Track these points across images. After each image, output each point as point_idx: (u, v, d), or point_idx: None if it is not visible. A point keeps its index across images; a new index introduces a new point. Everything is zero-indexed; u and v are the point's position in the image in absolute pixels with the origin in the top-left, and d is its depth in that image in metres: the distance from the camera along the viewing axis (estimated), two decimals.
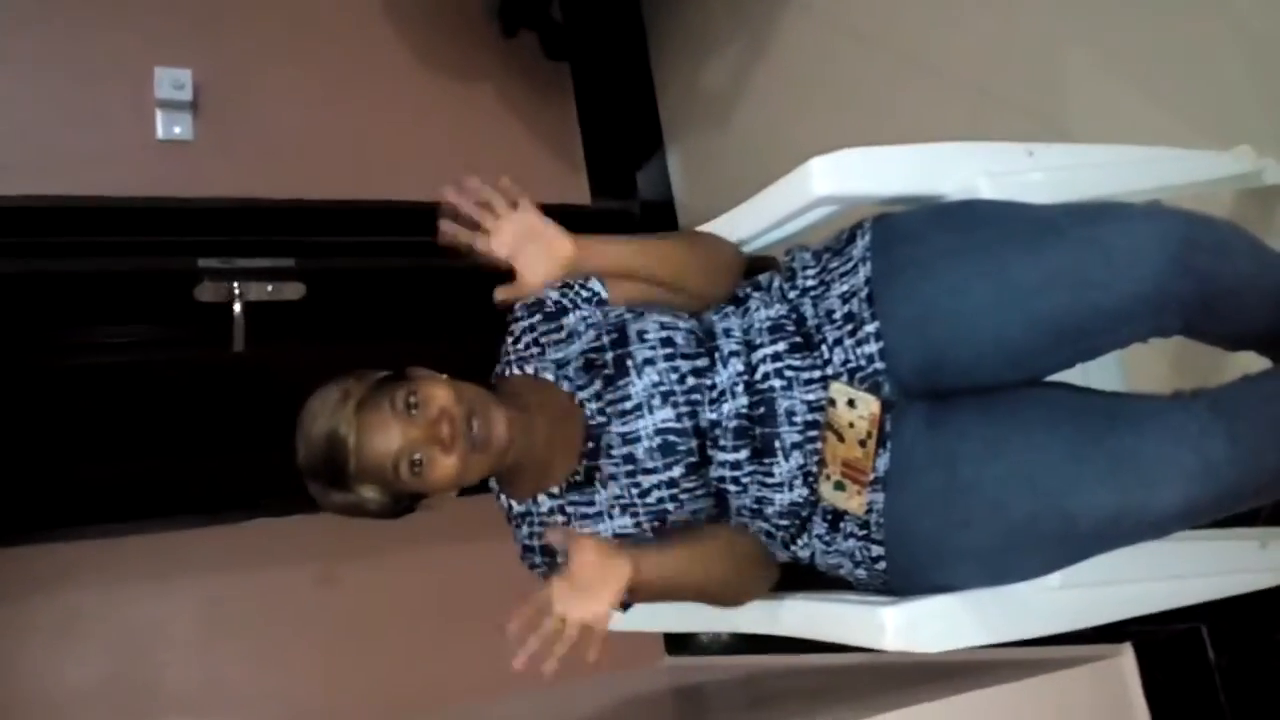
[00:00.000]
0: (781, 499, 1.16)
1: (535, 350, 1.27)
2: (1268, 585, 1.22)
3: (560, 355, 1.24)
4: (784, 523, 1.19)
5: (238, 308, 1.93)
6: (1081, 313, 1.02)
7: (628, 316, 1.21)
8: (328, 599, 2.51)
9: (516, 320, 1.30)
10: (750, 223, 1.28)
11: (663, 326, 1.19)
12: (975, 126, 1.88)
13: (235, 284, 1.94)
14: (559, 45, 3.06)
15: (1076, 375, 1.11)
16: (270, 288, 1.96)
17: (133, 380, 2.04)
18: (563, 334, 1.26)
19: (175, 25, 2.71)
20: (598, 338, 1.21)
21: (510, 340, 1.30)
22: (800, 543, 1.20)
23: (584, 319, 1.25)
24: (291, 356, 2.09)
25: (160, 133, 2.62)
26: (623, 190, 3.14)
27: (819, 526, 1.18)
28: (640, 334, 1.18)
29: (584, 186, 3.12)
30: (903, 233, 1.15)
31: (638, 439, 1.15)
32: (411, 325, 2.31)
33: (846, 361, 1.13)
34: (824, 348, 1.15)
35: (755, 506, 1.18)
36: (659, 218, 3.07)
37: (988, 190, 1.15)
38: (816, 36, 2.35)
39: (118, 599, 2.38)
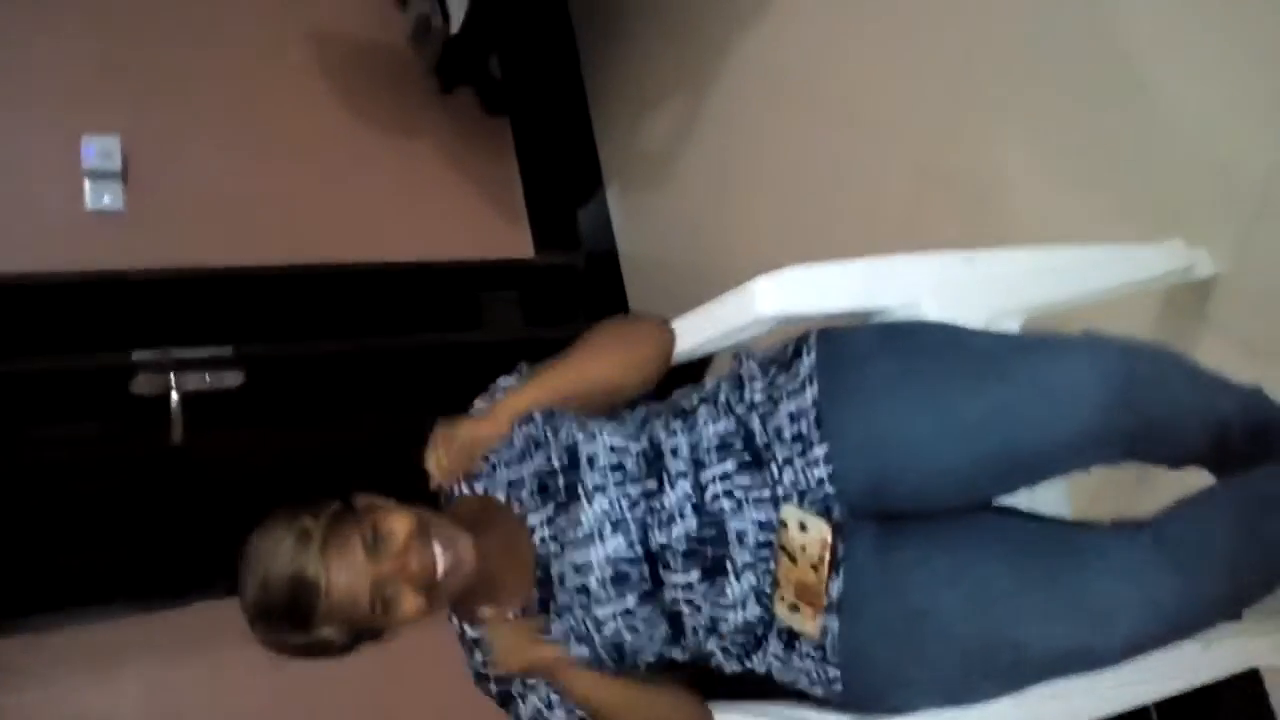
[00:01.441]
0: (735, 618, 1.15)
1: (486, 468, 1.26)
2: (1209, 681, 1.25)
3: (513, 475, 1.23)
4: (740, 639, 1.18)
5: (175, 399, 1.88)
6: (1024, 449, 1.04)
7: (579, 438, 1.20)
8: (277, 680, 2.46)
9: None
10: (694, 336, 1.28)
11: (613, 450, 1.18)
12: (912, 203, 1.91)
13: (172, 375, 1.89)
14: (498, 100, 3.05)
15: (1023, 495, 1.13)
16: (208, 377, 1.92)
17: (68, 475, 1.98)
18: (514, 451, 1.24)
19: (102, 89, 2.66)
20: (548, 460, 1.19)
21: None
22: (756, 658, 1.20)
23: (532, 437, 1.23)
24: (232, 444, 2.04)
25: (89, 203, 2.56)
26: (566, 242, 3.13)
27: (774, 645, 1.17)
28: (590, 459, 1.17)
29: (527, 240, 3.11)
30: (848, 355, 1.15)
31: (590, 570, 1.14)
32: (353, 408, 2.28)
33: (796, 482, 1.13)
34: (774, 467, 1.14)
35: (709, 625, 1.17)
36: (603, 269, 3.06)
37: (932, 309, 1.16)
38: (756, 92, 2.36)
39: (58, 693, 2.31)
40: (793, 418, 1.14)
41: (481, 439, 1.20)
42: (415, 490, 1.19)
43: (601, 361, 1.26)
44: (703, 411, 1.21)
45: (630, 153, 2.94)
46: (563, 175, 3.12)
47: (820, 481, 1.11)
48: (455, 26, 2.63)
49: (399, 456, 1.20)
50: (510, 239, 3.08)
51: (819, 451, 1.11)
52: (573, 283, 3.09)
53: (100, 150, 2.57)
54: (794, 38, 2.19)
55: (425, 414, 1.25)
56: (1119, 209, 1.54)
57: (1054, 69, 1.65)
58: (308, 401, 2.15)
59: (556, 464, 1.18)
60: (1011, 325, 1.21)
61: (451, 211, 3.01)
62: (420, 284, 2.88)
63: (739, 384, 1.22)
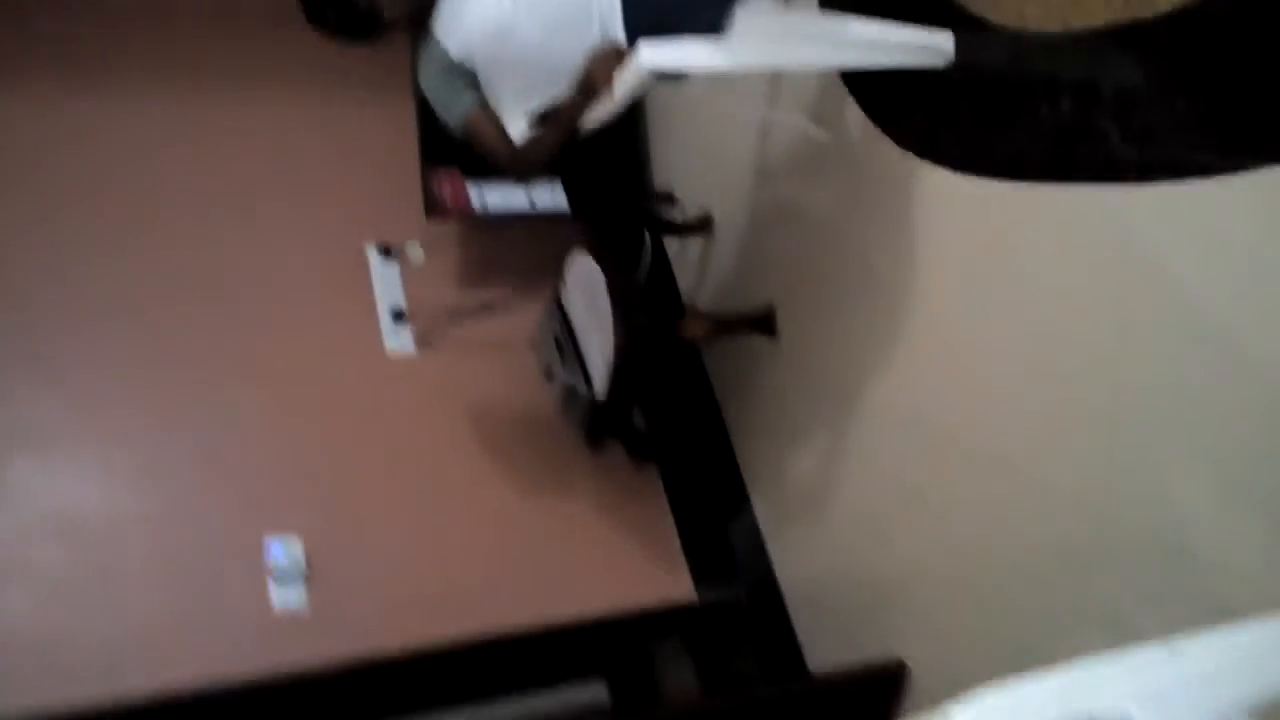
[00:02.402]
0: None
1: None
2: None
3: None
4: None
5: None
6: None
7: None
8: None
9: None
10: None
11: None
12: (1082, 549, 1.83)
13: None
14: (645, 449, 3.17)
15: None
16: None
17: None
18: None
19: (283, 491, 2.89)
20: None
21: None
22: None
23: None
24: None
25: (276, 603, 2.72)
26: (725, 578, 3.12)
27: None
28: None
29: (685, 581, 3.12)
30: None
31: None
32: None
33: None
34: None
35: None
36: (765, 601, 3.01)
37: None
38: (897, 432, 2.38)
39: None
40: None
41: None
42: None
43: None
44: None
45: (780, 487, 2.97)
46: (714, 514, 3.16)
47: None
48: (600, 393, 2.81)
49: None
50: (669, 582, 3.09)
51: None
52: (737, 619, 3.04)
53: (284, 551, 2.76)
54: (930, 380, 2.23)
55: None
56: None
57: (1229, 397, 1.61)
58: None
59: None
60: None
61: (609, 562, 3.07)
62: (591, 640, 2.90)
63: None
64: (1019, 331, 1.95)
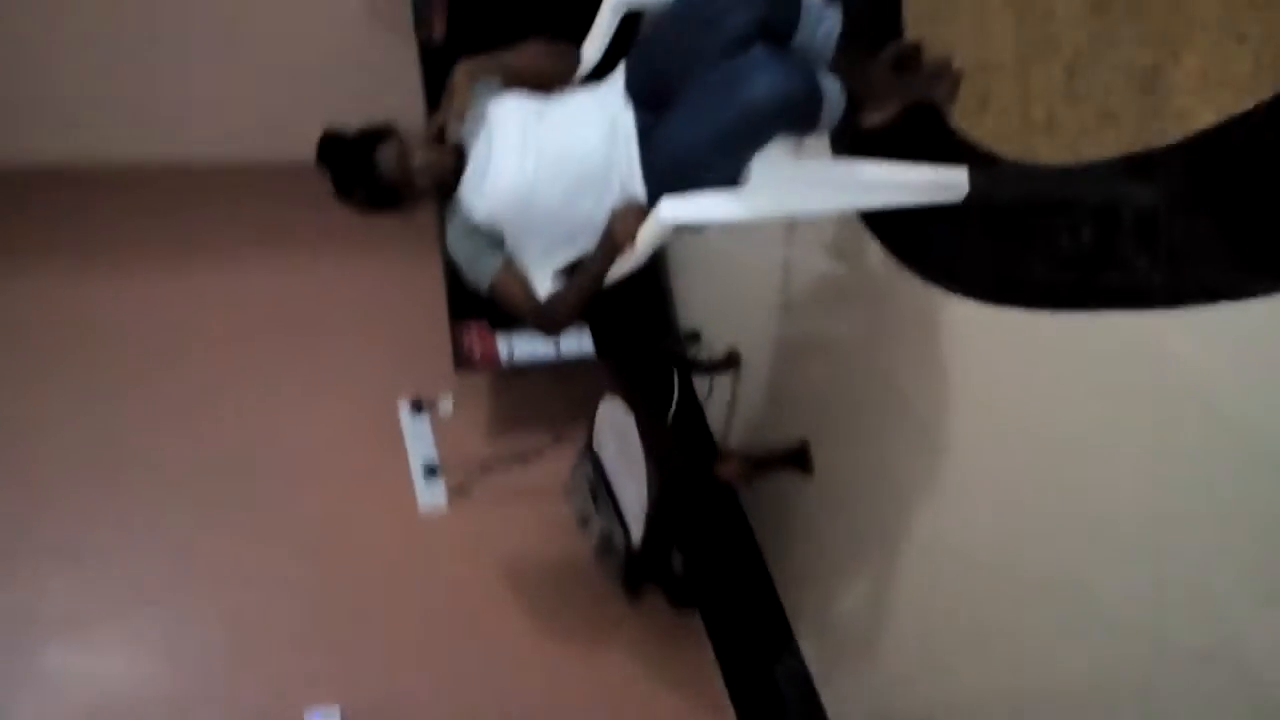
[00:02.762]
0: None
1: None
2: None
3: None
4: None
5: None
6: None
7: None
8: None
9: None
10: None
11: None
12: (1140, 672, 1.74)
13: None
14: (685, 595, 3.09)
15: None
16: None
17: None
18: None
19: (319, 662, 2.83)
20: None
21: None
22: None
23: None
24: None
25: None
26: None
27: None
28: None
29: None
30: None
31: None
32: None
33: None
34: None
35: None
36: None
37: None
38: (949, 569, 2.31)
39: None
40: None
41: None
42: None
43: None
44: None
45: (828, 628, 2.87)
46: (761, 658, 3.04)
47: None
48: (636, 540, 2.76)
49: None
50: None
51: None
52: None
53: None
54: (972, 509, 2.18)
55: None
56: None
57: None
58: None
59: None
60: None
61: (656, 714, 2.95)
62: None
63: None
64: (1059, 458, 1.91)
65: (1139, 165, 1.62)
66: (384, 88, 3.39)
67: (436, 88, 3.28)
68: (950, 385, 2.17)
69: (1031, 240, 1.86)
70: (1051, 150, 1.79)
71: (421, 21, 3.37)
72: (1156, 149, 1.59)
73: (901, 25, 2.16)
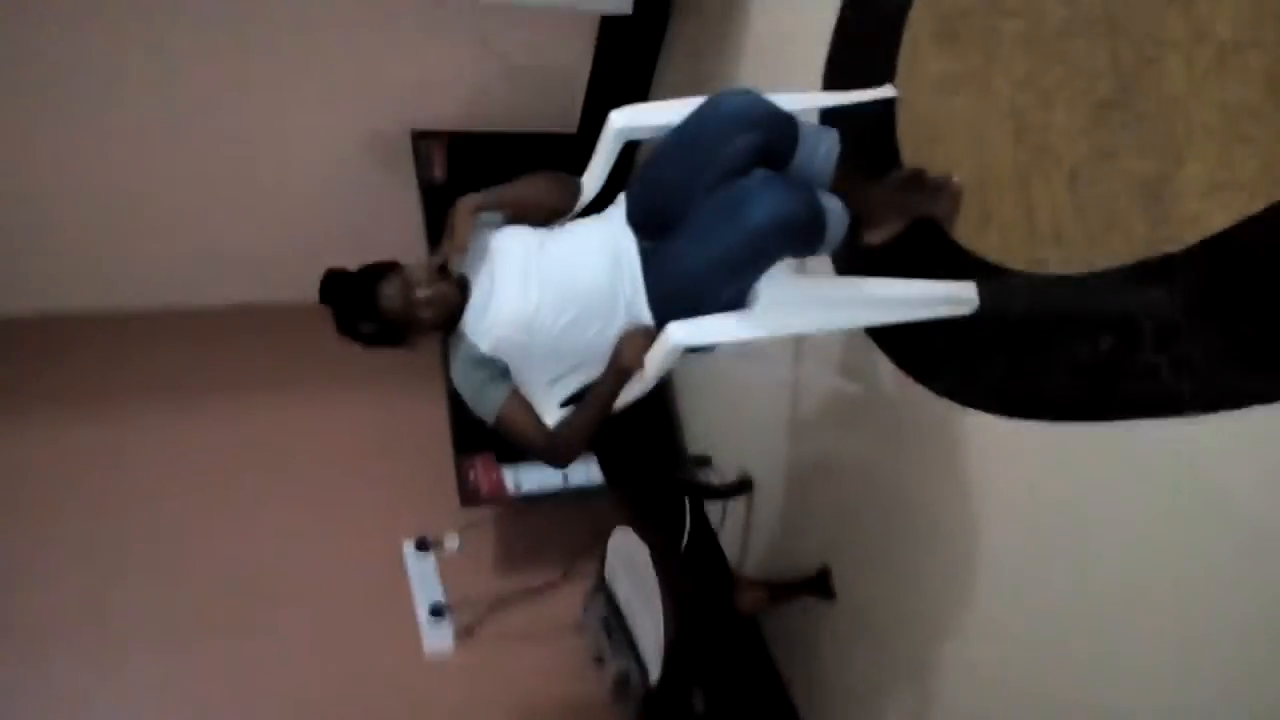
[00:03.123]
0: None
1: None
2: None
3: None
4: None
5: None
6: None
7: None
8: None
9: None
10: None
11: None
12: None
13: None
14: None
15: None
16: None
17: None
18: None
19: None
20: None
21: None
22: None
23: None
24: None
25: None
26: None
27: None
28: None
29: None
30: None
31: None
32: None
33: None
34: None
35: None
36: None
37: None
38: (986, 695, 2.19)
39: None
40: None
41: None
42: None
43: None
44: None
45: None
46: None
47: None
48: (654, 677, 2.64)
49: None
50: None
51: None
52: None
53: None
54: (1004, 630, 2.07)
55: None
56: None
57: None
58: None
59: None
60: None
61: None
62: None
63: None
64: (1089, 573, 1.82)
65: (1154, 271, 1.60)
66: (385, 228, 3.43)
67: (437, 227, 3.32)
68: (974, 503, 2.11)
69: (1049, 351, 1.83)
70: (1062, 260, 1.78)
71: (423, 162, 3.44)
72: (1170, 254, 1.57)
73: (897, 145, 2.19)
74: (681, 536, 2.96)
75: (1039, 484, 1.93)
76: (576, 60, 3.55)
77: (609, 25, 3.42)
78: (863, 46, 2.32)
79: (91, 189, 3.28)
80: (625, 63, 3.54)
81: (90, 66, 2.93)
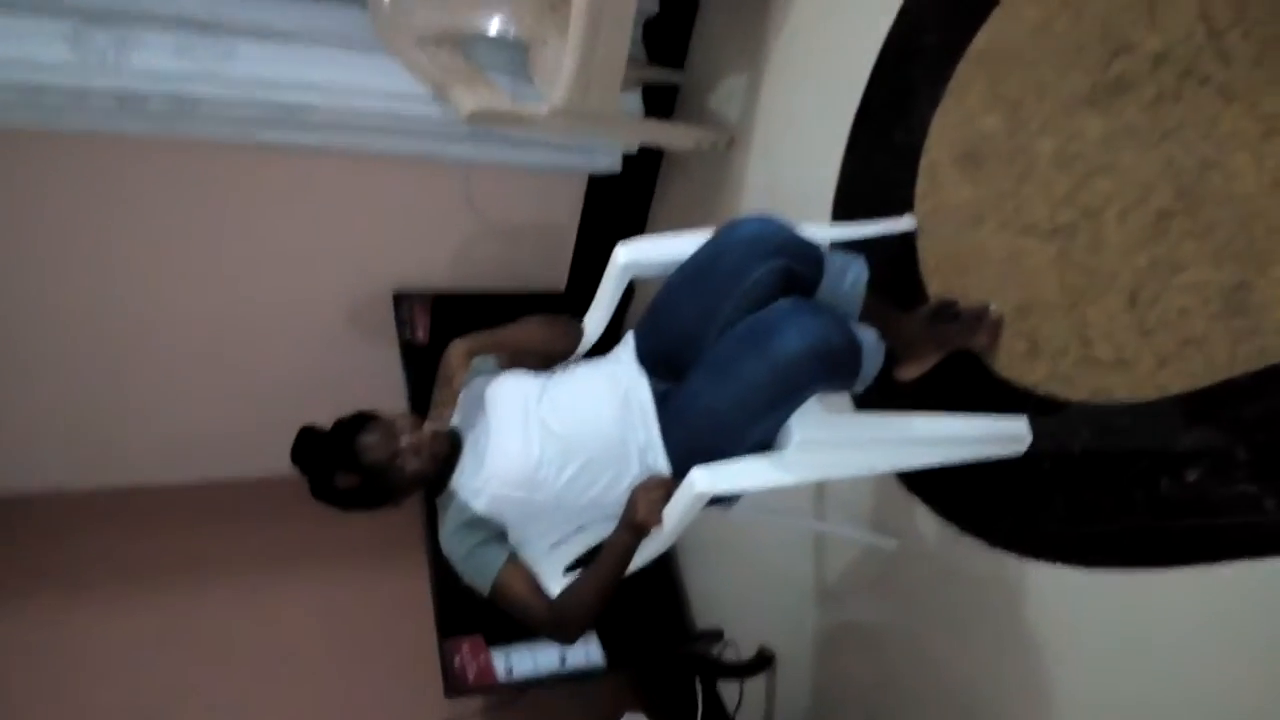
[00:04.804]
0: None
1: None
2: None
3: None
4: None
5: None
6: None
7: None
8: None
9: None
10: None
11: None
12: None
13: None
14: None
15: None
16: None
17: None
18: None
19: None
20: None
21: None
22: None
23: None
24: None
25: None
26: None
27: None
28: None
29: None
30: None
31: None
32: None
33: None
34: None
35: None
36: None
37: None
38: None
39: None
40: None
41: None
42: None
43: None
44: None
45: None
46: None
47: None
48: None
49: None
50: None
51: None
52: None
53: None
54: None
55: None
56: None
57: None
58: None
59: None
60: None
61: None
62: None
63: None
64: None
65: (1245, 389, 1.42)
66: (366, 391, 3.23)
67: (420, 389, 3.13)
68: (1040, 671, 1.84)
69: (1122, 488, 1.62)
70: (1129, 387, 1.60)
71: (404, 324, 3.28)
72: (1262, 369, 1.40)
73: (921, 279, 2.05)
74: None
75: (1117, 643, 1.68)
76: (564, 218, 3.47)
77: (596, 183, 3.36)
78: (874, 178, 2.23)
79: (67, 363, 3.09)
80: (614, 220, 3.46)
81: (52, 233, 2.79)
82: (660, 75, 3.09)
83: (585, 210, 3.46)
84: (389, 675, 2.98)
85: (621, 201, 3.43)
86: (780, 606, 2.71)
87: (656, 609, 3.18)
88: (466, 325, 3.27)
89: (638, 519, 1.64)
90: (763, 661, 2.73)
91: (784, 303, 1.62)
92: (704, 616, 3.15)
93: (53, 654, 2.94)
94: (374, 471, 1.72)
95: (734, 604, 3.01)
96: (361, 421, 1.76)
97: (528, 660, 2.80)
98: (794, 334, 1.52)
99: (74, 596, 3.10)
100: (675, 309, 1.75)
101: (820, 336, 1.52)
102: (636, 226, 3.50)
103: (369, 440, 1.72)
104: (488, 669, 2.76)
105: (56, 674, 2.90)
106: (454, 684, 2.73)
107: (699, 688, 2.77)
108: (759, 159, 2.75)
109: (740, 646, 2.88)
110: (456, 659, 2.75)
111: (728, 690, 2.88)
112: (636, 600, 2.95)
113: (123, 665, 2.95)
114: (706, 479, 1.53)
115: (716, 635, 2.98)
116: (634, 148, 3.12)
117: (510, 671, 2.78)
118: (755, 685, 2.79)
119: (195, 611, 3.14)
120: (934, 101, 2.02)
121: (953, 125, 1.97)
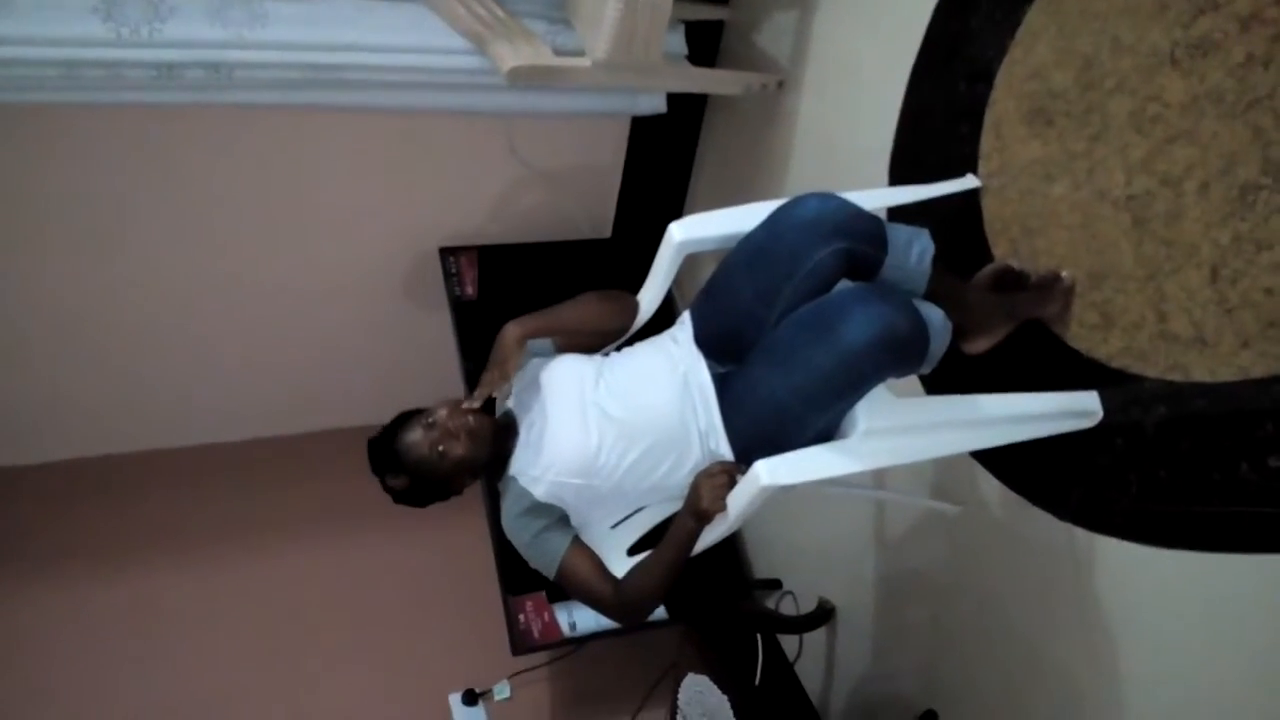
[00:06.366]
0: None
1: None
2: None
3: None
4: None
5: None
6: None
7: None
8: None
9: None
10: None
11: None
12: None
13: None
14: None
15: None
16: None
17: None
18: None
19: None
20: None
21: None
22: None
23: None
24: None
25: None
26: None
27: None
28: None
29: None
30: None
31: None
32: None
33: None
34: None
35: None
36: None
37: None
38: None
39: None
40: None
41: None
42: None
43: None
44: None
45: None
46: None
47: None
48: None
49: None
50: None
51: None
52: None
53: None
54: None
55: None
56: None
57: None
58: None
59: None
60: None
61: None
62: None
63: None
64: None
65: None
66: (418, 349, 3.28)
67: (471, 345, 3.13)
68: (1106, 641, 1.82)
69: (1195, 471, 1.57)
70: (1208, 366, 1.54)
71: (452, 279, 3.26)
72: None
73: (986, 242, 1.97)
74: (754, 674, 2.67)
75: (1191, 626, 1.66)
76: (608, 163, 3.38)
77: (640, 125, 3.26)
78: (936, 134, 2.13)
79: (106, 332, 3.13)
80: (659, 163, 3.37)
81: (100, 204, 2.79)
82: (704, 12, 2.97)
83: (630, 154, 3.37)
84: (454, 632, 3.05)
85: (667, 144, 3.33)
86: (839, 559, 2.71)
87: (715, 557, 3.19)
88: (515, 278, 3.26)
89: (701, 506, 1.63)
90: (823, 615, 2.75)
91: (847, 289, 1.56)
92: (761, 564, 3.17)
93: (139, 614, 3.05)
94: (420, 468, 1.73)
95: (792, 554, 3.02)
96: (401, 421, 1.78)
97: (589, 616, 2.84)
98: (859, 322, 1.47)
99: (152, 559, 3.19)
100: (734, 292, 1.70)
101: (886, 325, 1.47)
102: (683, 169, 3.41)
103: (410, 438, 1.74)
104: (552, 625, 2.82)
105: (144, 632, 3.01)
106: (520, 641, 2.79)
107: (760, 642, 2.79)
108: (811, 100, 2.64)
109: (799, 597, 2.90)
110: (521, 617, 2.81)
111: (787, 643, 2.90)
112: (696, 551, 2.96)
113: (209, 622, 3.05)
114: (771, 472, 1.51)
115: (775, 584, 3.00)
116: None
117: (574, 626, 2.83)
118: (815, 638, 2.81)
119: (252, 567, 3.23)
120: (1001, 51, 1.91)
121: (1020, 78, 1.87)
